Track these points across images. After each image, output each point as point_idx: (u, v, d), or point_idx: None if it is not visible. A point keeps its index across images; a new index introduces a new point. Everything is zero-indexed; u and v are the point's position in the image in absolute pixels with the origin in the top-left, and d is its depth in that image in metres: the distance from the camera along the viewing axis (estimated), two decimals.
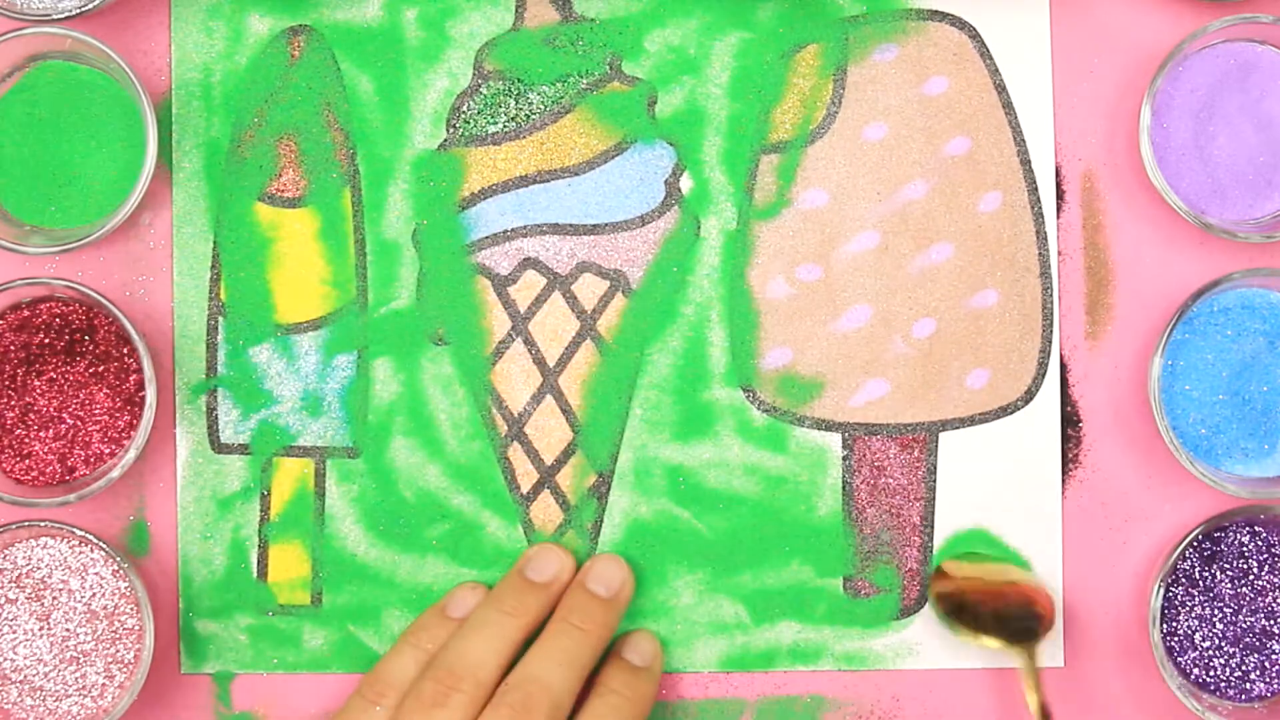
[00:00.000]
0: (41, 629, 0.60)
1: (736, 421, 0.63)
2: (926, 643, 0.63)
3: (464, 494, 0.63)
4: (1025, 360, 0.63)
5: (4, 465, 0.61)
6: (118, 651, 0.60)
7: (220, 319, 0.62)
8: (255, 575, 0.62)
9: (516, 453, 0.63)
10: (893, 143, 0.63)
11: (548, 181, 0.63)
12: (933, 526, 0.63)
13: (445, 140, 0.63)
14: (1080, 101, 0.63)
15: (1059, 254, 0.63)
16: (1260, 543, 0.62)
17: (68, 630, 0.60)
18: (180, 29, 0.62)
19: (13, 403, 0.60)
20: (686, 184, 0.63)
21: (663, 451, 0.63)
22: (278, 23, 0.62)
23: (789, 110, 0.63)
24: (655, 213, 0.63)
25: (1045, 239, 0.62)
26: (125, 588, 0.60)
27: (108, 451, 0.61)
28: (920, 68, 0.63)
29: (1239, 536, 0.62)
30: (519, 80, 0.63)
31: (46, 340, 0.60)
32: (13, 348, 0.60)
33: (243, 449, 0.62)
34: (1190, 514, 0.62)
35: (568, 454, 0.63)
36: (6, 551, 0.60)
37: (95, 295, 0.59)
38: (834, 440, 0.63)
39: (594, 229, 0.63)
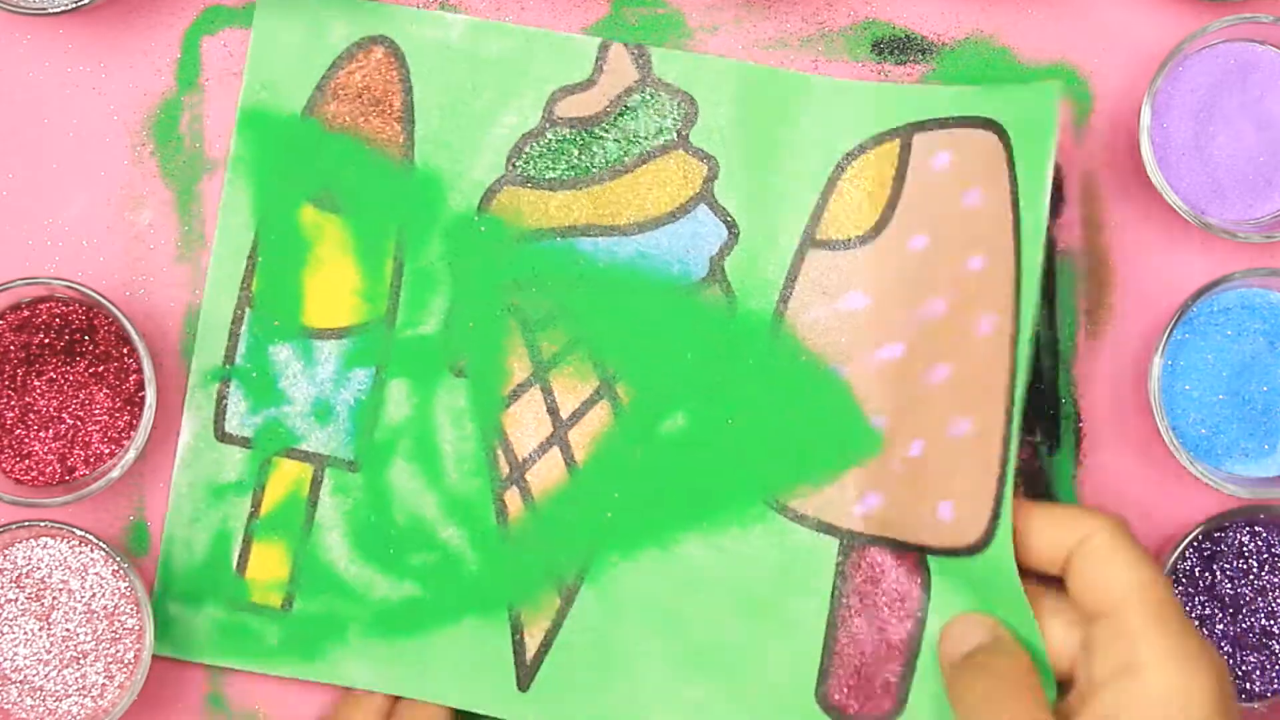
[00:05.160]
0: (41, 629, 0.60)
1: (737, 507, 0.61)
2: None
3: (453, 527, 0.62)
4: (979, 504, 0.58)
5: (4, 465, 0.61)
6: (118, 651, 0.60)
7: (247, 310, 0.62)
8: (234, 569, 0.62)
9: (513, 496, 0.62)
10: (931, 255, 0.60)
11: (596, 237, 0.62)
12: (917, 653, 0.59)
13: (502, 176, 0.62)
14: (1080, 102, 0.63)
15: (1059, 252, 0.63)
16: (1260, 543, 0.62)
17: (68, 630, 0.60)
18: (261, 28, 0.62)
19: (13, 403, 0.60)
20: (733, 264, 0.61)
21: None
22: (355, 29, 0.62)
23: (844, 209, 0.61)
24: (696, 288, 0.61)
25: (1015, 375, 0.57)
26: (125, 588, 0.60)
27: (108, 451, 0.61)
28: (964, 178, 0.60)
29: (1239, 536, 0.62)
30: (586, 133, 0.62)
31: (46, 340, 0.60)
32: (13, 348, 0.60)
33: (244, 442, 0.62)
34: (1190, 514, 0.62)
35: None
36: (6, 551, 0.60)
37: (95, 295, 0.59)
38: (830, 544, 0.61)
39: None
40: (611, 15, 0.63)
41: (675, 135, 0.62)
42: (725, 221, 0.61)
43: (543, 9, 0.63)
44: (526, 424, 0.62)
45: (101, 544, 0.59)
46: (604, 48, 0.62)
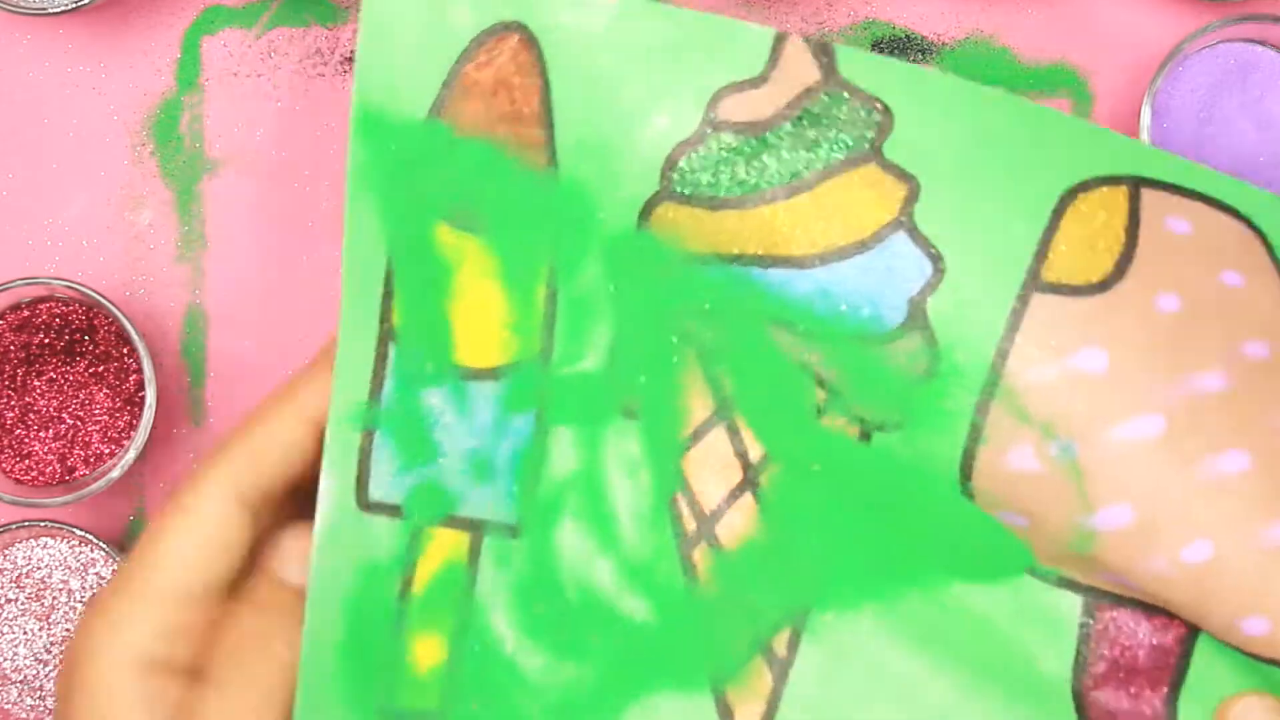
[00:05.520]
0: (41, 629, 0.60)
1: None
2: None
3: (636, 597, 0.51)
4: None
5: (4, 465, 0.61)
6: None
7: (391, 346, 0.49)
8: (394, 667, 0.50)
9: (702, 553, 0.52)
10: (1188, 320, 0.48)
11: (766, 268, 0.49)
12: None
13: (657, 191, 0.49)
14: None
15: None
16: None
17: (68, 630, 0.60)
18: (371, 17, 0.48)
19: (13, 403, 0.60)
20: (937, 306, 0.48)
21: None
22: (484, 15, 0.49)
23: (1073, 248, 0.48)
24: (892, 335, 0.48)
25: None
26: None
27: (108, 451, 0.61)
28: (1215, 255, 0.50)
29: None
30: (756, 140, 0.49)
31: (46, 340, 0.60)
32: (13, 348, 0.60)
33: (393, 510, 0.49)
34: None
35: None
36: (6, 551, 0.60)
37: (95, 295, 0.59)
38: (1073, 603, 0.51)
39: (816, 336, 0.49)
40: None
41: (868, 146, 0.48)
42: (929, 254, 0.48)
43: None
44: (712, 469, 0.51)
45: (101, 544, 0.59)
46: (780, 40, 0.49)
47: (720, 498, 0.51)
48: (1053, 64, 0.63)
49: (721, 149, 0.49)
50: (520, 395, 0.51)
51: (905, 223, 0.48)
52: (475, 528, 0.50)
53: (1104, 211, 0.49)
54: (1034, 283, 0.48)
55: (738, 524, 0.51)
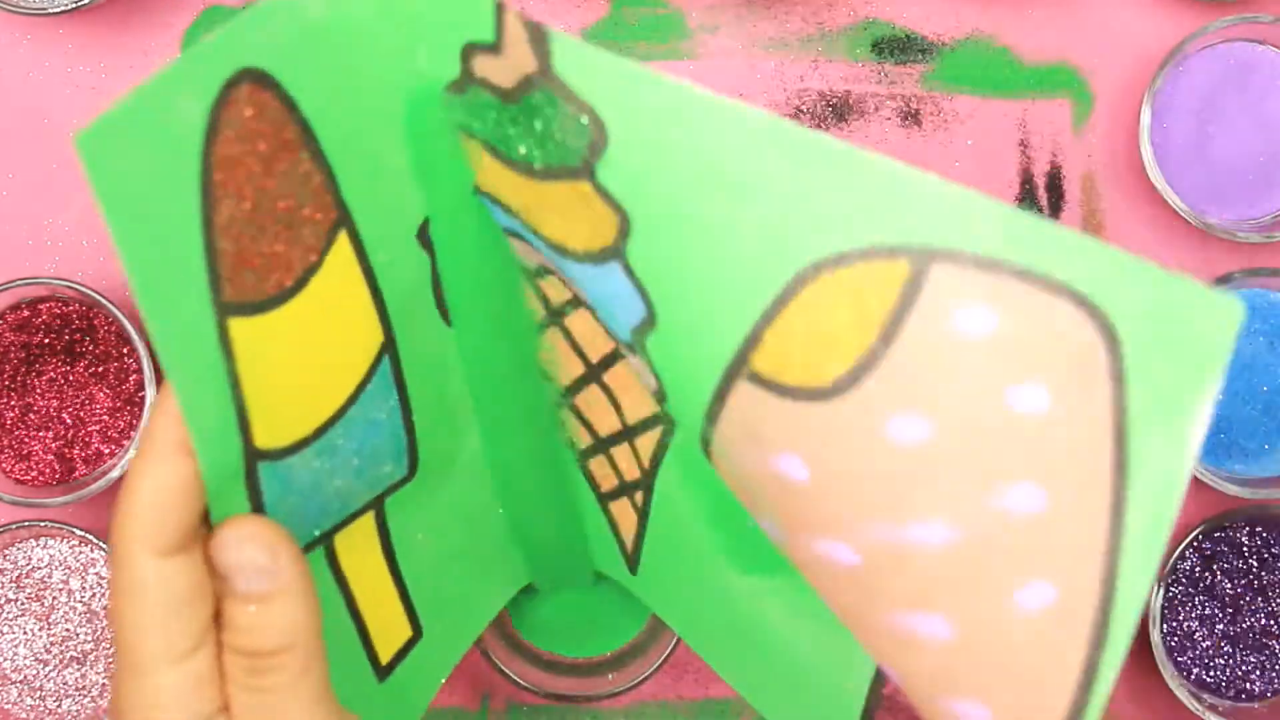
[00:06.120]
0: (41, 629, 0.60)
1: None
2: None
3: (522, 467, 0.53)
4: None
5: (4, 465, 0.61)
6: None
7: (258, 463, 0.41)
8: (374, 674, 0.48)
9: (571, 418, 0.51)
10: (928, 457, 0.37)
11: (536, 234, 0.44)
12: None
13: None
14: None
15: None
16: (1260, 542, 0.62)
17: (68, 630, 0.60)
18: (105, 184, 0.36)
19: (13, 403, 0.60)
20: (654, 347, 0.42)
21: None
22: (203, 88, 0.38)
23: (795, 341, 0.38)
24: (630, 346, 0.43)
25: (1094, 671, 0.36)
26: None
27: (108, 451, 0.61)
28: (1017, 363, 0.36)
29: (1239, 536, 0.62)
30: (507, 108, 0.41)
31: (46, 340, 0.60)
32: (13, 348, 0.60)
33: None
34: (1190, 514, 0.62)
35: (620, 438, 0.50)
36: (6, 551, 0.60)
37: (95, 295, 0.59)
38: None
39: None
40: (611, 16, 0.63)
41: (580, 163, 0.40)
42: (642, 296, 0.41)
43: (540, 9, 0.63)
44: (563, 362, 0.49)
45: (101, 544, 0.59)
46: (500, 10, 0.39)
47: (571, 380, 0.50)
48: (1053, 64, 0.63)
49: (484, 105, 0.42)
50: (382, 390, 0.45)
51: (619, 254, 0.40)
52: (375, 503, 0.47)
53: (857, 297, 0.37)
54: (741, 368, 0.39)
55: (595, 403, 0.51)
